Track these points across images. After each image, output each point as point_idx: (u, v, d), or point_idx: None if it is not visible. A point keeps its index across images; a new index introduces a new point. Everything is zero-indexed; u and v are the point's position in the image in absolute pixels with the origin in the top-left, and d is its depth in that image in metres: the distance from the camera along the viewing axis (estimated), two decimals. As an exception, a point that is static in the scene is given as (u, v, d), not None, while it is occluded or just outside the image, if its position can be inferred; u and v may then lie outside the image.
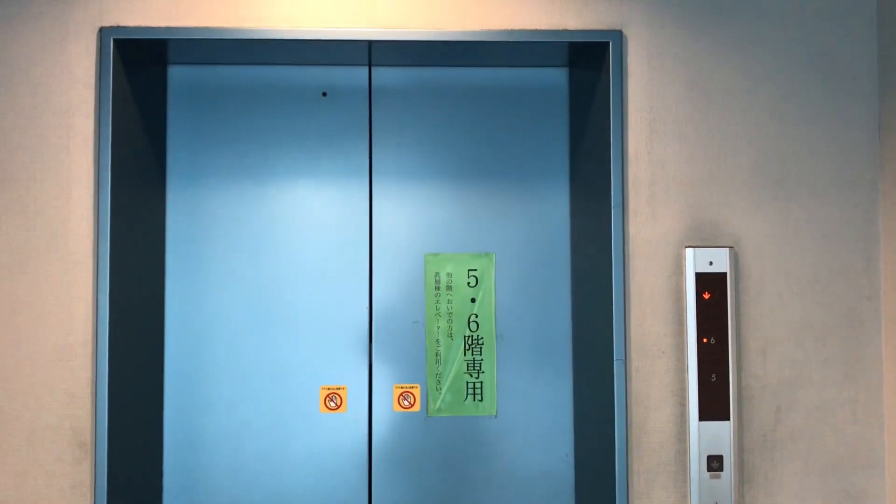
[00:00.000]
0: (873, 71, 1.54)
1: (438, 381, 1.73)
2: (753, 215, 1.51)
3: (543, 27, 1.53)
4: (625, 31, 1.52)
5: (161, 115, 1.71)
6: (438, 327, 1.73)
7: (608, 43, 1.52)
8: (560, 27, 1.53)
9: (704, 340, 1.47)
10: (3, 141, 1.48)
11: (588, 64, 1.62)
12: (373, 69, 1.75)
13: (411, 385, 1.73)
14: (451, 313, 1.73)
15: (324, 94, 1.74)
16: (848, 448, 1.50)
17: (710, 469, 1.46)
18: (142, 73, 1.62)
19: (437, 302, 1.73)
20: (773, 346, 1.50)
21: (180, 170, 1.72)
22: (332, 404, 1.72)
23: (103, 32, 1.50)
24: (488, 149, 1.74)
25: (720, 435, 1.46)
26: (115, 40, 1.50)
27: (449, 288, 1.73)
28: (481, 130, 1.74)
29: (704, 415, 1.46)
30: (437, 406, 1.72)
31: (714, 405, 1.46)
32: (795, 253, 1.52)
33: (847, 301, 1.52)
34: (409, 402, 1.73)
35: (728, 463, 1.46)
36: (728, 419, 1.46)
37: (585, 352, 1.66)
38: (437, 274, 1.73)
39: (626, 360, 1.49)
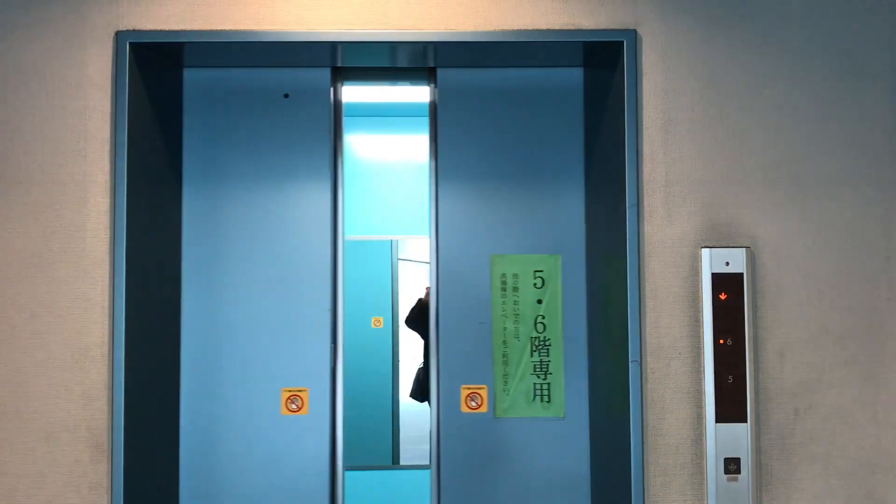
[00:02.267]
0: (891, 69, 1.52)
1: (506, 382, 1.73)
2: (770, 215, 1.50)
3: (557, 27, 1.52)
4: (639, 31, 1.51)
5: (177, 117, 1.72)
6: (505, 328, 1.73)
7: (622, 42, 1.51)
8: (574, 27, 1.52)
9: (721, 342, 1.46)
10: (20, 143, 1.49)
11: (602, 63, 1.61)
12: (384, 71, 1.75)
13: (478, 386, 1.73)
14: (517, 314, 1.73)
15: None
16: (868, 451, 1.48)
17: (727, 472, 1.44)
18: (157, 76, 1.63)
19: (504, 303, 1.74)
20: (791, 348, 1.48)
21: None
22: (294, 406, 1.72)
23: (119, 36, 1.51)
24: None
25: (737, 437, 1.44)
26: (130, 44, 1.51)
27: (515, 289, 1.73)
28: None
29: (721, 417, 1.45)
30: (505, 407, 1.72)
31: (731, 407, 1.45)
32: (813, 253, 1.50)
33: (866, 302, 1.50)
34: (477, 403, 1.72)
35: (745, 465, 1.44)
36: (745, 421, 1.44)
37: (600, 353, 1.65)
38: (503, 275, 1.73)
39: (641, 362, 1.47)
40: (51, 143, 1.49)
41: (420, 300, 3.25)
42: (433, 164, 1.74)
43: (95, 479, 1.47)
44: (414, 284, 3.50)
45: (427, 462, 1.81)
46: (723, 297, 1.46)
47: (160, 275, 1.65)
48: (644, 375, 1.47)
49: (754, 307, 1.48)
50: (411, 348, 3.44)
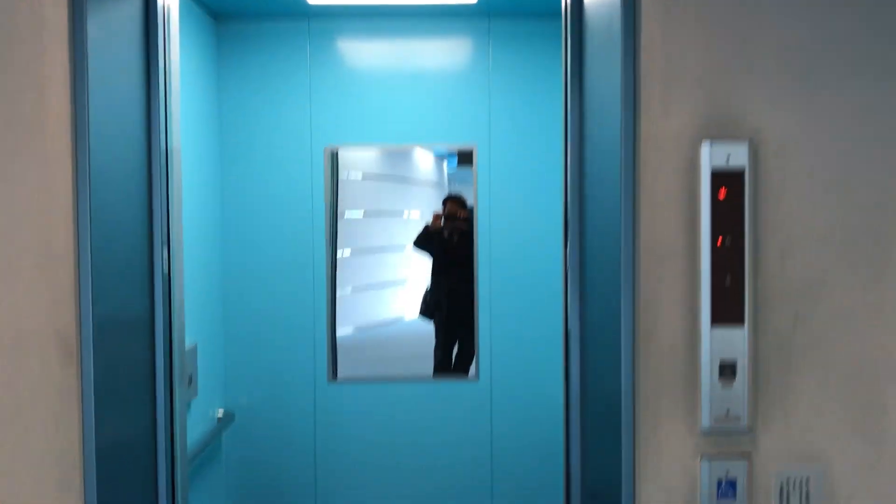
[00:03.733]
0: (915, -55, 1.39)
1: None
2: (777, 106, 1.39)
3: None
4: None
5: None
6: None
7: (620, -84, 1.38)
8: None
9: (719, 242, 1.37)
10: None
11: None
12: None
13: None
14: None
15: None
16: (872, 357, 1.41)
17: (721, 376, 1.37)
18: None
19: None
20: (794, 248, 1.40)
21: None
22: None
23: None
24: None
25: (734, 341, 1.37)
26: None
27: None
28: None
29: (717, 320, 1.37)
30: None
31: (728, 310, 1.37)
32: (822, 147, 1.40)
33: (877, 200, 1.40)
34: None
35: (741, 370, 1.37)
36: (742, 324, 1.37)
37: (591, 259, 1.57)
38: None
39: (634, 264, 1.39)
40: (2, 30, 1.39)
41: (427, 226, 3.37)
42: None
43: (65, 384, 1.42)
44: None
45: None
46: (722, 194, 1.37)
47: (127, 172, 1.57)
48: (637, 277, 1.39)
49: (756, 205, 1.39)
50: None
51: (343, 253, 3.36)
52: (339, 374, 3.35)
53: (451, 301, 3.42)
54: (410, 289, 3.38)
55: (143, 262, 1.67)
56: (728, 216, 1.37)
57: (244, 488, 3.33)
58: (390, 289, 3.39)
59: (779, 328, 1.40)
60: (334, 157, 3.31)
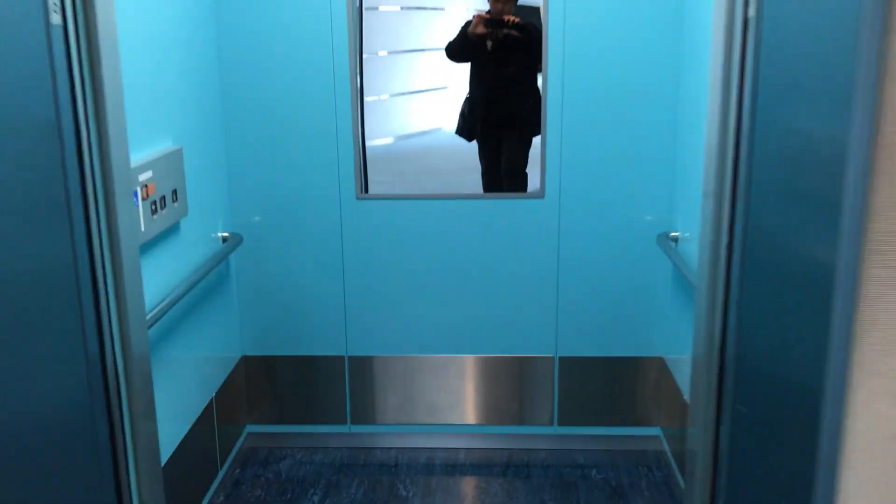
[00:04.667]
0: None
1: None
2: None
3: None
4: None
5: None
6: None
7: None
8: None
9: None
10: None
11: None
12: None
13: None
14: None
15: None
16: None
17: None
18: None
19: None
20: None
21: None
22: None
23: None
24: None
25: None
26: None
27: None
28: None
29: None
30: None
31: None
32: None
33: None
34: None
35: None
36: None
37: None
38: None
39: None
40: None
41: (465, 30, 2.64)
42: None
43: None
44: None
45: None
46: None
47: None
48: None
49: None
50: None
51: (376, 53, 2.62)
52: (371, 190, 2.71)
53: (495, 118, 2.70)
54: (453, 96, 2.66)
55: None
56: None
57: (259, 317, 2.83)
58: (428, 94, 2.67)
59: None
60: None
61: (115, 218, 1.28)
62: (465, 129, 2.69)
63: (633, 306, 2.77)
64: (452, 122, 2.68)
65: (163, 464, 2.12)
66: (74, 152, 1.23)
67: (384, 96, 2.66)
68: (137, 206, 1.85)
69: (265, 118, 2.64)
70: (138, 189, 1.86)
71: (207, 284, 2.52)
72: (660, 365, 2.80)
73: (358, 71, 2.61)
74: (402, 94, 2.68)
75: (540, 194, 2.69)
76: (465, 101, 2.66)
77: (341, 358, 2.86)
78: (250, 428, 2.94)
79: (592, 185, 2.68)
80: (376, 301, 2.81)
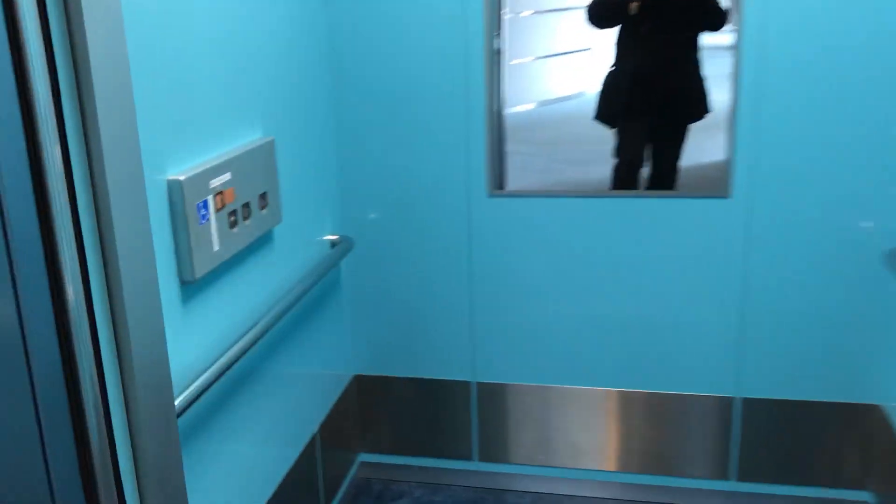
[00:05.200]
0: None
1: None
2: None
3: None
4: None
5: None
6: None
7: None
8: None
9: None
10: None
11: None
12: None
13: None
14: None
15: None
16: None
17: None
18: None
19: None
20: None
21: None
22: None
23: None
24: None
25: None
26: None
27: None
28: None
29: None
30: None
31: None
32: None
33: None
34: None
35: None
36: None
37: None
38: None
39: None
40: None
41: None
42: None
43: None
44: None
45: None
46: None
47: None
48: None
49: None
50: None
51: (518, 14, 2.11)
52: (509, 185, 2.22)
53: (645, 100, 2.13)
54: (596, 59, 2.11)
55: None
56: None
57: (374, 332, 2.42)
58: (571, 57, 2.14)
59: None
60: None
61: (116, 262, 0.87)
62: (607, 112, 2.13)
63: (843, 340, 2.13)
64: (596, 86, 2.13)
65: (267, 498, 1.81)
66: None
67: (528, 58, 2.16)
68: (207, 219, 1.45)
69: (381, 94, 2.20)
70: (209, 198, 1.45)
71: (313, 295, 2.12)
72: (876, 415, 2.15)
73: (496, 32, 2.11)
74: (545, 56, 2.17)
75: (724, 193, 2.09)
76: (607, 77, 2.11)
77: (468, 384, 2.40)
78: (363, 457, 2.55)
79: (795, 182, 2.05)
80: (511, 318, 2.32)
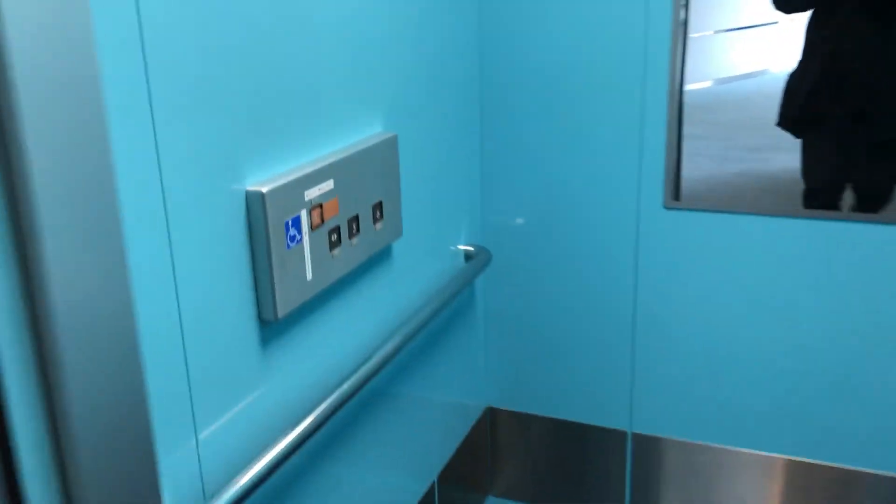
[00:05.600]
0: None
1: None
2: None
3: None
4: None
5: None
6: None
7: None
8: None
9: None
10: None
11: None
12: None
13: None
14: None
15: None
16: None
17: None
18: None
19: None
20: None
21: None
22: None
23: None
24: None
25: None
26: None
27: None
28: None
29: None
30: None
31: None
32: None
33: None
34: None
35: None
36: None
37: None
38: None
39: None
40: None
41: None
42: None
43: None
44: None
45: None
46: None
47: None
48: None
49: None
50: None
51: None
52: (685, 194, 1.76)
53: (846, 103, 1.58)
54: (783, 33, 1.59)
55: None
56: None
57: (512, 360, 2.04)
58: (755, 31, 1.64)
59: None
60: None
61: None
62: (794, 116, 1.61)
63: None
64: (781, 63, 1.62)
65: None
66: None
67: (708, 32, 1.69)
68: (299, 241, 1.12)
69: (534, 80, 1.80)
70: (302, 214, 1.13)
71: (442, 316, 1.78)
72: None
73: (684, 2, 1.65)
74: (728, 30, 1.69)
75: None
76: (793, 73, 1.59)
77: (622, 433, 1.98)
78: (492, 501, 2.20)
79: None
80: (679, 361, 1.87)
